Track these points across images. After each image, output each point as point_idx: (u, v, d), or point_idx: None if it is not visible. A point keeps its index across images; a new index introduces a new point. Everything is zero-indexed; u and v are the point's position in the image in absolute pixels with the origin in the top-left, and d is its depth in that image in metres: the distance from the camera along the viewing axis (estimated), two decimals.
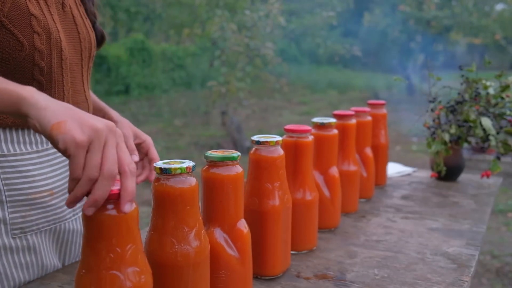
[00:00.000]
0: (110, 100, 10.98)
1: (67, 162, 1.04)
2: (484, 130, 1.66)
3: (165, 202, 0.76)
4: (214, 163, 0.85)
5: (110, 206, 0.66)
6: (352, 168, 1.39)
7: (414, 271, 1.06)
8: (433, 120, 1.74)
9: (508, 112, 1.67)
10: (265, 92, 9.26)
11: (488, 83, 1.71)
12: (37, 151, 1.00)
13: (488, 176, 1.74)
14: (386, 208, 1.50)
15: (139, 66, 12.07)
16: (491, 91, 1.70)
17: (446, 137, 1.67)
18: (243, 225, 0.88)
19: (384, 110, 1.67)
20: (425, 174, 1.91)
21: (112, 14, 10.19)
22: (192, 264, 0.77)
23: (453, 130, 1.69)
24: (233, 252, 0.87)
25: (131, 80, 11.82)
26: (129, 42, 12.48)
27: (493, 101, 1.70)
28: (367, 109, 1.55)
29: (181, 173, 0.76)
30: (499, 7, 14.01)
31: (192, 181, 0.77)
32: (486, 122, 1.63)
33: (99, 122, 0.68)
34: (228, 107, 7.12)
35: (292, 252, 1.12)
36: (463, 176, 1.88)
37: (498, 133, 1.66)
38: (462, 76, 1.75)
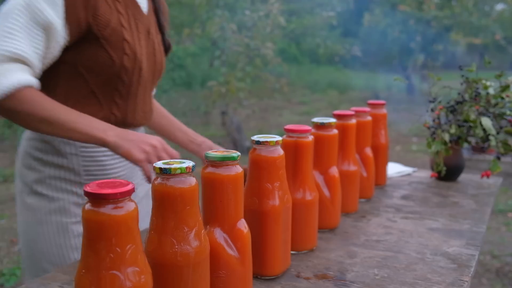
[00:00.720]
0: None
1: None
2: (484, 130, 1.66)
3: (165, 202, 0.76)
4: (214, 163, 0.85)
5: (110, 206, 0.66)
6: (352, 168, 1.39)
7: (414, 271, 1.06)
8: (433, 120, 1.74)
9: (508, 112, 1.67)
10: (265, 92, 9.25)
11: (488, 83, 1.71)
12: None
13: (488, 176, 1.74)
14: (386, 208, 1.50)
15: None
16: (491, 91, 1.70)
17: (446, 137, 1.67)
18: (243, 225, 0.88)
19: (384, 110, 1.67)
20: (425, 174, 1.91)
21: None
22: (192, 264, 0.77)
23: (453, 130, 1.69)
24: (233, 252, 0.87)
25: None
26: None
27: (493, 101, 1.70)
28: (367, 109, 1.55)
29: (181, 173, 0.76)
30: (499, 7, 14.01)
31: (192, 181, 0.77)
32: (486, 122, 1.63)
33: (151, 141, 1.15)
34: (228, 107, 7.12)
35: (292, 252, 1.12)
36: (463, 176, 1.88)
37: (498, 133, 1.66)
38: (462, 76, 1.75)
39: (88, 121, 1.12)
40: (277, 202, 0.98)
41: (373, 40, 13.39)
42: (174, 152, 1.17)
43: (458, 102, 1.72)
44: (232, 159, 0.85)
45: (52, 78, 1.21)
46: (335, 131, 1.26)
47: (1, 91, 1.07)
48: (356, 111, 1.50)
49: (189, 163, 0.77)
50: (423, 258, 1.12)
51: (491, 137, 1.64)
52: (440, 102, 1.74)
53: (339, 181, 1.27)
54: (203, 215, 0.87)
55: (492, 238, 3.77)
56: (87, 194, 0.66)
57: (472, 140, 1.77)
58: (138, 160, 1.11)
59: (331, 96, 12.56)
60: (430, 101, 1.74)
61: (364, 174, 1.52)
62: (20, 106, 1.09)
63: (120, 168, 1.33)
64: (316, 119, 1.26)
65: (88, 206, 0.67)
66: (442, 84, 1.75)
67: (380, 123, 1.64)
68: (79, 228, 1.23)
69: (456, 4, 12.76)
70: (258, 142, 0.97)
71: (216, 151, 0.88)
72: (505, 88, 1.69)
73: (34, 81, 1.12)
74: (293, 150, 1.10)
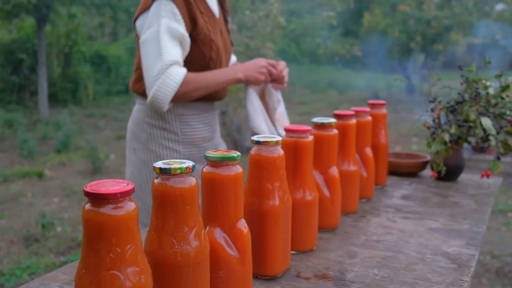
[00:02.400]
0: (110, 100, 10.99)
1: (214, 121, 1.86)
2: (484, 130, 1.66)
3: (165, 202, 0.76)
4: (214, 163, 0.85)
5: (110, 206, 0.66)
6: (352, 168, 1.39)
7: (414, 271, 1.06)
8: (433, 120, 1.74)
9: (508, 112, 1.67)
10: None
11: (488, 83, 1.71)
12: (198, 114, 1.78)
13: (488, 176, 1.74)
14: (386, 208, 1.50)
15: None
16: (491, 91, 1.70)
17: (446, 137, 1.67)
18: (243, 225, 0.88)
19: (384, 110, 1.67)
20: (425, 174, 1.91)
21: (112, 14, 10.19)
22: (192, 264, 0.77)
23: (453, 130, 1.69)
24: (233, 252, 0.87)
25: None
26: (129, 42, 12.46)
27: (493, 101, 1.70)
28: (367, 109, 1.55)
29: (181, 173, 0.75)
30: (499, 7, 14.01)
31: (192, 181, 0.77)
32: (486, 122, 1.63)
33: (262, 63, 1.75)
34: (228, 107, 7.12)
35: (292, 252, 1.12)
36: (463, 176, 1.88)
37: (498, 133, 1.66)
38: (462, 76, 1.75)
39: (224, 73, 1.69)
40: (277, 202, 0.98)
41: (373, 40, 13.39)
42: (274, 61, 1.78)
43: (458, 102, 1.72)
44: (232, 159, 0.85)
45: None
46: (335, 131, 1.26)
47: (179, 79, 1.59)
48: (356, 111, 1.50)
49: (189, 163, 0.77)
50: (423, 258, 1.12)
51: (491, 137, 1.64)
52: (440, 102, 1.74)
53: (339, 181, 1.27)
54: (203, 215, 0.87)
55: (492, 238, 3.77)
56: (87, 194, 0.66)
57: (472, 140, 1.77)
58: (262, 81, 1.73)
59: (331, 96, 12.56)
60: (430, 101, 1.74)
61: (364, 174, 1.52)
62: (189, 86, 1.63)
63: (204, 130, 1.80)
64: (316, 119, 1.26)
65: (88, 206, 0.67)
66: (442, 84, 1.75)
67: (380, 123, 1.64)
68: None
69: (456, 4, 12.76)
70: (258, 142, 0.97)
71: (216, 151, 0.88)
72: (505, 88, 1.69)
73: (186, 71, 1.64)
74: (293, 150, 1.10)
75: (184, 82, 1.61)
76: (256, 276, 1.00)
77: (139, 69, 1.74)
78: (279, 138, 0.99)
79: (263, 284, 0.99)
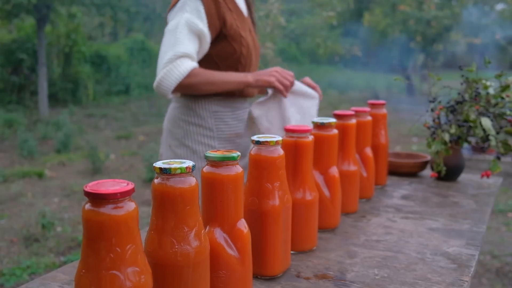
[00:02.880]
0: (110, 100, 10.99)
1: (245, 117, 1.85)
2: (484, 130, 1.65)
3: (165, 202, 0.76)
4: (214, 163, 0.85)
5: (110, 206, 0.66)
6: (352, 168, 1.39)
7: (414, 271, 1.06)
8: (433, 120, 1.74)
9: (508, 112, 1.67)
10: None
11: (488, 83, 1.71)
12: (232, 111, 1.83)
13: (488, 176, 1.74)
14: (386, 208, 1.50)
15: (139, 66, 12.07)
16: (491, 91, 1.70)
17: (446, 137, 1.67)
18: (243, 225, 0.88)
19: (384, 110, 1.67)
20: (425, 174, 1.91)
21: (112, 14, 10.19)
22: (192, 264, 0.77)
23: (453, 130, 1.69)
24: (233, 252, 0.87)
25: (131, 80, 11.82)
26: (129, 42, 12.48)
27: (493, 101, 1.70)
28: (367, 109, 1.55)
29: (181, 173, 0.75)
30: (499, 7, 14.01)
31: (192, 181, 0.77)
32: (486, 122, 1.63)
33: (274, 68, 1.72)
34: None
35: (292, 252, 1.12)
36: (463, 176, 1.88)
37: (498, 133, 1.66)
38: (462, 76, 1.75)
39: (233, 75, 1.71)
40: (277, 202, 0.98)
41: (373, 40, 13.40)
42: (290, 72, 1.75)
43: (458, 102, 1.72)
44: (232, 159, 0.85)
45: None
46: (335, 131, 1.26)
47: (185, 71, 1.63)
48: (356, 111, 1.50)
49: (189, 163, 0.77)
50: (423, 258, 1.12)
51: (491, 137, 1.64)
52: (440, 102, 1.74)
53: (339, 181, 1.27)
54: (203, 215, 0.87)
55: (492, 238, 3.77)
56: (87, 194, 0.66)
57: (472, 140, 1.77)
58: (271, 82, 1.68)
59: (331, 96, 12.56)
60: (430, 101, 1.74)
61: (364, 174, 1.52)
62: (195, 79, 1.66)
63: (238, 126, 1.84)
64: (316, 119, 1.25)
65: (88, 206, 0.67)
66: (442, 84, 1.75)
67: (380, 123, 1.64)
68: None
69: (456, 4, 12.76)
70: (258, 142, 0.97)
71: (216, 151, 0.88)
72: (505, 88, 1.69)
73: (197, 65, 1.67)
74: (293, 150, 1.10)
75: (190, 75, 1.65)
76: (256, 276, 1.00)
77: None
78: (279, 138, 0.99)
79: (263, 284, 0.99)
